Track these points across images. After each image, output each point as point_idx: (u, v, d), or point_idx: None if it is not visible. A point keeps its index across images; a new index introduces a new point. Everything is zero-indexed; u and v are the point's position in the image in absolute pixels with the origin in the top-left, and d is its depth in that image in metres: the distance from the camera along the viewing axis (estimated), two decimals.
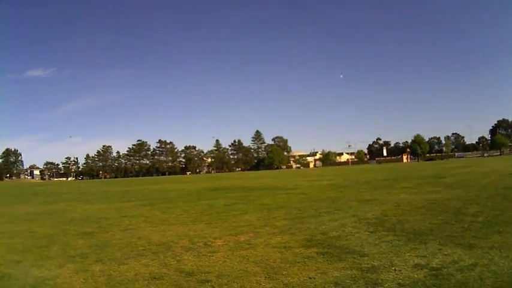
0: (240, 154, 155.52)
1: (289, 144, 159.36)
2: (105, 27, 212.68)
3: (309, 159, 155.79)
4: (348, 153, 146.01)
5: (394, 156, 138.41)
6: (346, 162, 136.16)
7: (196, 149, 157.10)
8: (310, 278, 5.06)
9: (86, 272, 6.15)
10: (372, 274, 5.01)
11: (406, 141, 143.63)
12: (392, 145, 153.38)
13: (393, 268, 5.18)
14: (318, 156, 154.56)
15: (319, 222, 9.46)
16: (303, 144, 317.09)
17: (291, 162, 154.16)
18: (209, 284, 5.16)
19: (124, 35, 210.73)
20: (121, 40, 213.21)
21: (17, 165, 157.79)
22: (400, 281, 4.75)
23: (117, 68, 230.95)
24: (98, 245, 8.63)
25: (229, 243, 7.83)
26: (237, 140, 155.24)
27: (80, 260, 7.06)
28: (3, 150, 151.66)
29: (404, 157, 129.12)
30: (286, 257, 6.33)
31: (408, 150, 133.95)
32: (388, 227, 8.24)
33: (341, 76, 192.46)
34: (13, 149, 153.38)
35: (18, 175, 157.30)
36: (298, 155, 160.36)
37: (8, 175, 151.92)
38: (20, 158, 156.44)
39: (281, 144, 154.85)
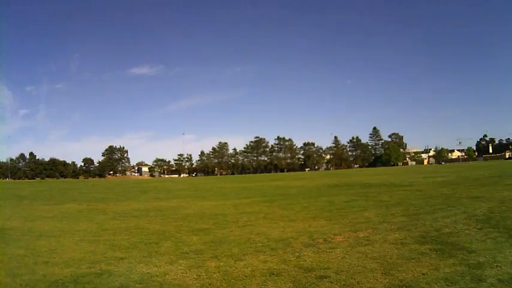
0: (358, 151, 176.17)
1: (404, 141, 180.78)
2: (218, 26, 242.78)
3: (423, 156, 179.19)
4: (458, 150, 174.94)
5: (499, 153, 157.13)
6: (457, 159, 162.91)
7: (315, 145, 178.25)
8: (423, 274, 6.23)
9: (199, 268, 7.44)
10: (477, 270, 6.20)
11: (508, 138, 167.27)
12: (496, 142, 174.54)
13: (495, 264, 6.47)
14: (431, 153, 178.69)
15: (433, 219, 11.46)
16: (417, 141, 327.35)
17: (407, 159, 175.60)
18: (327, 280, 6.22)
19: (238, 33, 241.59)
20: (236, 38, 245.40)
21: (123, 162, 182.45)
22: (500, 276, 5.88)
23: (234, 65, 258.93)
24: (213, 241, 10.29)
25: (348, 239, 9.35)
26: (355, 137, 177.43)
27: (193, 257, 8.49)
28: (107, 147, 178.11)
29: (507, 154, 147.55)
30: (403, 253, 7.68)
31: (511, 147, 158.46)
32: (494, 224, 9.93)
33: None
34: (118, 146, 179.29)
35: (123, 172, 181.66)
36: (413, 152, 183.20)
37: (111, 172, 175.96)
38: (126, 155, 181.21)
39: (397, 141, 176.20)
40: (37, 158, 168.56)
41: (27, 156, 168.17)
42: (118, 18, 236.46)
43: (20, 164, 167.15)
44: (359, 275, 6.35)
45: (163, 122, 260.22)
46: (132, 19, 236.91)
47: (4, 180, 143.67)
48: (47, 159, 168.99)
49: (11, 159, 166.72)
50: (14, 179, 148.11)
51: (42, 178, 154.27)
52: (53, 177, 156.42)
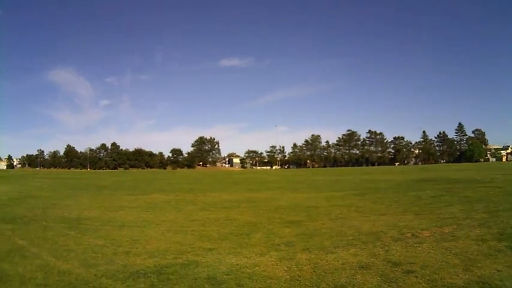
0: (445, 146, 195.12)
1: (486, 137, 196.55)
2: (308, 17, 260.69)
3: (503, 152, 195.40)
4: None
5: None
6: None
7: (405, 139, 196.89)
8: (497, 271, 6.99)
9: (290, 261, 8.24)
10: None
11: None
12: None
13: None
14: (509, 150, 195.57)
15: (511, 216, 12.93)
16: (497, 137, 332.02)
17: (488, 155, 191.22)
18: (413, 274, 6.96)
19: (329, 25, 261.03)
20: (326, 30, 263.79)
21: (213, 154, 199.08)
22: None
23: (326, 58, 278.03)
24: (305, 233, 11.31)
25: (434, 234, 10.42)
26: (442, 132, 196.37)
27: (284, 249, 9.36)
28: (197, 138, 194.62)
29: None
30: (482, 249, 8.55)
31: None
32: None
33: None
34: (208, 137, 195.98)
35: (214, 163, 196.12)
36: (494, 148, 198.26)
37: (200, 163, 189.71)
38: (216, 146, 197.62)
39: (480, 137, 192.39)
40: (120, 148, 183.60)
41: (109, 147, 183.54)
42: (203, 11, 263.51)
43: (101, 154, 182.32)
44: (442, 270, 7.13)
45: (255, 114, 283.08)
46: (217, 13, 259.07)
47: (82, 170, 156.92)
48: (131, 149, 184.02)
49: (91, 149, 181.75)
50: (94, 169, 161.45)
51: (126, 168, 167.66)
52: (138, 168, 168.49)
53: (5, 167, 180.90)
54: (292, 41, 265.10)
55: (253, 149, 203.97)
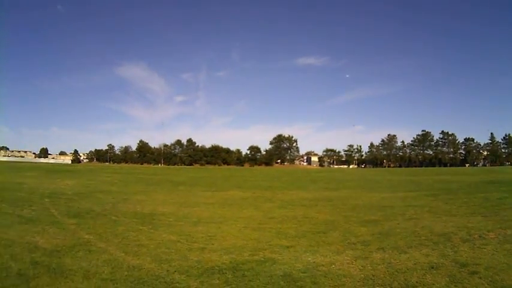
0: (510, 148, 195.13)
1: None
2: (381, 19, 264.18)
3: None
4: None
5: None
6: None
7: (475, 141, 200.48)
8: None
9: (365, 260, 8.90)
10: None
11: None
12: None
13: None
14: None
15: None
16: None
17: None
18: (477, 275, 7.57)
19: (408, 25, 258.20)
20: (402, 30, 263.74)
21: (291, 152, 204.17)
22: None
23: (402, 57, 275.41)
24: (381, 233, 12.12)
25: (499, 236, 11.05)
26: (507, 134, 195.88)
27: (360, 248, 10.09)
28: (275, 136, 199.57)
29: None
30: None
31: None
32: None
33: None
34: (287, 135, 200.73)
35: (292, 161, 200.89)
36: None
37: (278, 160, 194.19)
38: (295, 144, 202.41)
39: None
40: (196, 144, 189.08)
41: (185, 143, 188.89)
42: (280, 10, 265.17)
43: (176, 150, 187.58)
44: (503, 272, 7.73)
45: (333, 113, 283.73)
46: (293, 12, 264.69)
47: (156, 166, 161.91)
48: (207, 145, 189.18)
49: (165, 145, 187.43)
50: (168, 165, 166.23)
51: (202, 165, 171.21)
52: (214, 164, 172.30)
53: (69, 162, 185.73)
54: (367, 40, 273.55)
55: (331, 147, 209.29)
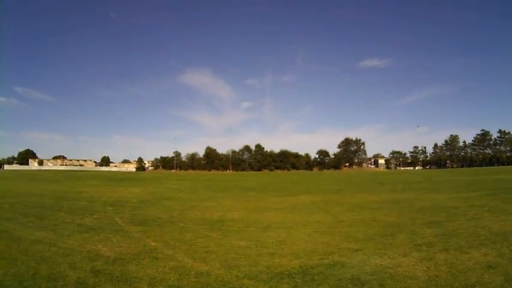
0: None
1: None
2: (440, 18, 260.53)
3: None
4: None
5: None
6: None
7: None
8: None
9: (429, 261, 9.43)
10: None
11: None
12: None
13: None
14: None
15: None
16: None
17: None
18: None
19: (468, 24, 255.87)
20: (461, 30, 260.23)
21: (359, 154, 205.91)
22: None
23: (460, 56, 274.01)
24: (444, 233, 12.71)
25: None
26: None
27: (425, 249, 10.65)
28: (343, 139, 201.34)
29: None
30: None
31: None
32: None
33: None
34: (354, 138, 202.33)
35: (360, 164, 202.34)
36: None
37: (347, 164, 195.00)
38: (362, 147, 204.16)
39: None
40: (265, 149, 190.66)
41: (253, 148, 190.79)
42: (342, 13, 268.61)
43: (244, 156, 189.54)
44: None
45: (397, 114, 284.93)
46: (354, 15, 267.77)
47: (224, 172, 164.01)
48: (276, 150, 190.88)
49: (233, 151, 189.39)
50: (237, 171, 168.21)
51: (271, 170, 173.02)
52: (283, 169, 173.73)
53: (134, 169, 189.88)
54: (428, 41, 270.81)
55: (397, 149, 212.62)
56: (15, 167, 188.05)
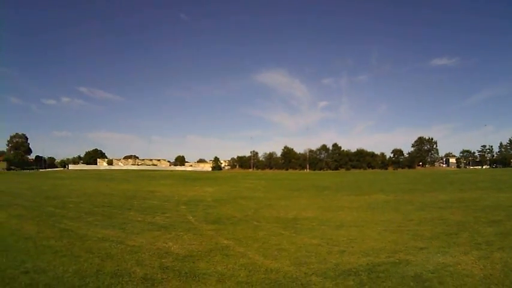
0: None
1: None
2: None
3: None
4: None
5: None
6: None
7: None
8: None
9: (486, 259, 9.66)
10: None
11: None
12: None
13: None
14: None
15: None
16: None
17: None
18: None
19: None
20: None
21: (432, 154, 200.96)
22: None
23: None
24: (503, 232, 13.00)
25: None
26: None
27: (484, 247, 10.94)
28: (416, 138, 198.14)
29: None
30: None
31: None
32: None
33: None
34: (427, 137, 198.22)
35: (432, 163, 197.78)
36: None
37: (420, 163, 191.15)
38: (435, 146, 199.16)
39: None
40: (342, 149, 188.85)
41: (330, 147, 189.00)
42: (414, 12, 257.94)
43: (322, 155, 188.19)
44: None
45: (467, 113, 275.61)
46: (425, 15, 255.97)
47: (301, 171, 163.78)
48: (352, 150, 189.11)
49: (310, 150, 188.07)
50: (314, 170, 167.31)
51: (348, 169, 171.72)
52: (360, 168, 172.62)
53: (209, 169, 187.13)
54: (495, 39, 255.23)
55: (467, 148, 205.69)
56: (82, 166, 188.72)
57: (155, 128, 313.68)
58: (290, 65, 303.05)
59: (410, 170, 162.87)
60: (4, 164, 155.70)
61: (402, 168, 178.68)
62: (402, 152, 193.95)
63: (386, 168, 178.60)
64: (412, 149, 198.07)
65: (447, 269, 8.92)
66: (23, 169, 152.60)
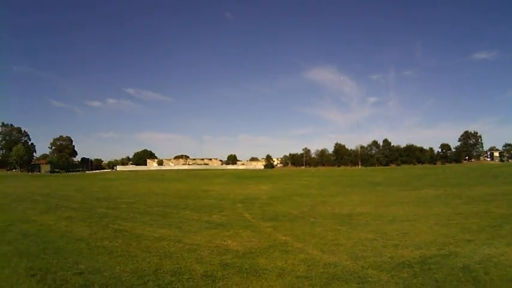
0: None
1: None
2: None
3: None
4: None
5: None
6: None
7: None
8: None
9: None
10: None
11: None
12: None
13: None
14: None
15: None
16: None
17: None
18: None
19: None
20: None
21: (477, 148, 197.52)
22: None
23: None
24: None
25: None
26: None
27: None
28: (462, 133, 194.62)
29: None
30: None
31: None
32: None
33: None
34: (472, 131, 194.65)
35: (477, 157, 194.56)
36: None
37: (466, 157, 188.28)
38: (479, 140, 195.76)
39: None
40: (392, 144, 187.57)
41: (381, 143, 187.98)
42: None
43: (373, 151, 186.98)
44: None
45: (509, 107, 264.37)
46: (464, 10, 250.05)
47: (352, 167, 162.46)
48: (402, 145, 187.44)
49: (362, 146, 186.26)
50: (365, 166, 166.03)
51: (398, 164, 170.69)
52: (409, 164, 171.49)
53: (262, 167, 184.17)
54: None
55: (510, 142, 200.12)
56: (131, 167, 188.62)
57: (206, 127, 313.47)
58: (338, 62, 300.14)
59: (458, 164, 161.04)
60: (48, 167, 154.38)
61: (449, 162, 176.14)
62: (449, 146, 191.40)
63: (435, 163, 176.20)
64: (459, 143, 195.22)
65: (492, 260, 9.10)
66: (68, 171, 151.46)
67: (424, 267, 8.71)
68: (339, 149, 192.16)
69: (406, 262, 9.12)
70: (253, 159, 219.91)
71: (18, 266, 9.54)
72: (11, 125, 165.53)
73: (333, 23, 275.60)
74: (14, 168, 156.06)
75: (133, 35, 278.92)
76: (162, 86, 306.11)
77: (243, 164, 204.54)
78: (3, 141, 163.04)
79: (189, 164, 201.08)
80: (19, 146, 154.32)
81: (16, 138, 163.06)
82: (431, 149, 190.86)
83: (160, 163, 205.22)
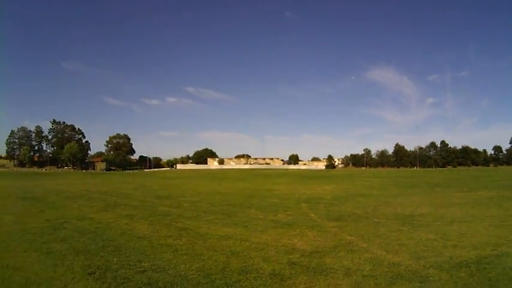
0: None
1: None
2: None
3: None
4: None
5: None
6: None
7: None
8: None
9: None
10: None
11: None
12: None
13: None
14: None
15: None
16: None
17: None
18: None
19: None
20: None
21: None
22: None
23: None
24: None
25: None
26: None
27: None
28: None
29: None
30: None
31: None
32: None
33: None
34: None
35: None
36: None
37: None
38: None
39: None
40: (449, 146, 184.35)
41: (439, 145, 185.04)
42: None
43: (431, 153, 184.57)
44: None
45: None
46: None
47: (411, 168, 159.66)
48: (458, 147, 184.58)
49: (420, 148, 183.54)
50: (423, 167, 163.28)
51: (454, 166, 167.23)
52: (465, 165, 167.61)
53: (323, 167, 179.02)
54: None
55: None
56: (191, 166, 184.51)
57: (268, 127, 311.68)
58: (397, 63, 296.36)
59: (509, 166, 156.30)
60: (103, 165, 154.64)
61: (501, 165, 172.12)
62: (501, 148, 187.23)
63: (488, 165, 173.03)
64: (510, 145, 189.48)
65: None
66: (124, 169, 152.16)
67: (479, 267, 8.72)
68: (399, 150, 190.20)
69: (464, 262, 9.11)
70: (314, 159, 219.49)
71: (74, 264, 9.20)
72: (63, 122, 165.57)
73: (390, 23, 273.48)
74: (66, 166, 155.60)
75: (193, 33, 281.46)
76: (223, 85, 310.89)
77: (305, 164, 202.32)
78: (55, 139, 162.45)
79: (250, 164, 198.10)
80: (72, 143, 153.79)
81: (69, 135, 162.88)
82: (484, 150, 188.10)
83: (221, 162, 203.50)
